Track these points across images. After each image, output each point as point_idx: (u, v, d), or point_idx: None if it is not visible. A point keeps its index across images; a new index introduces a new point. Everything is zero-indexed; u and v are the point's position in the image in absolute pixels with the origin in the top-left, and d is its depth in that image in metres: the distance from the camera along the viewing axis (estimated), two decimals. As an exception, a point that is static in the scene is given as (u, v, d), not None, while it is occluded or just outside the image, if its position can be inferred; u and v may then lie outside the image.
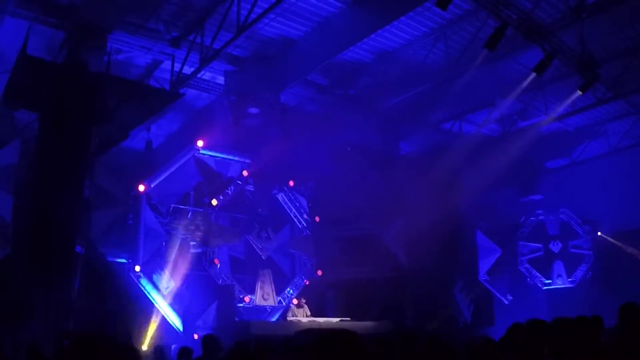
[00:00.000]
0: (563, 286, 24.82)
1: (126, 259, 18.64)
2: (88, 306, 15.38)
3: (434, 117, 20.96)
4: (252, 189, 22.04)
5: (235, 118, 19.09)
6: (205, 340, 9.22)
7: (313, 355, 2.96)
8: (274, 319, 21.23)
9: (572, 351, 3.89)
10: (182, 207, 20.61)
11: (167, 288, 18.84)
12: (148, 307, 18.27)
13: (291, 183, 22.67)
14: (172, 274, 19.21)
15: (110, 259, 17.90)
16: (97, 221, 17.09)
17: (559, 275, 25.06)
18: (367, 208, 21.42)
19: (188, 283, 19.99)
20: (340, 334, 3.03)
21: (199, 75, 17.85)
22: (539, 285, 25.29)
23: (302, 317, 18.71)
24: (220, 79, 19.00)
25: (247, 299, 20.59)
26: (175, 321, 18.57)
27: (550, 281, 25.26)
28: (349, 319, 18.56)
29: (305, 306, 19.42)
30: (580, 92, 17.31)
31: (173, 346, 16.40)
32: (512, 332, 4.89)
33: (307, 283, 22.40)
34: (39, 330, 13.43)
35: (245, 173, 21.46)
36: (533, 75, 16.53)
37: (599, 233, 24.46)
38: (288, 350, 2.89)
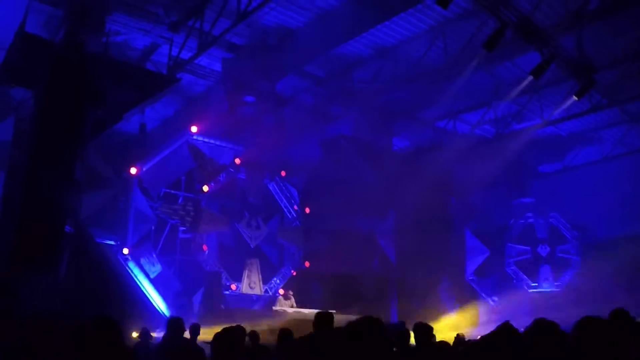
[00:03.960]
0: (549, 290, 24.89)
1: (115, 242, 18.61)
2: (75, 287, 15.38)
3: (429, 114, 20.96)
4: (244, 177, 22.04)
5: (230, 105, 19.08)
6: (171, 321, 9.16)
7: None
8: (259, 307, 21.26)
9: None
10: (173, 192, 20.64)
11: (154, 272, 18.85)
12: (135, 291, 18.27)
13: (283, 173, 22.69)
14: (160, 258, 19.23)
15: (99, 240, 17.87)
16: (87, 202, 17.04)
17: (546, 279, 25.12)
18: (358, 202, 21.45)
19: (175, 268, 20.03)
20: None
21: (196, 61, 17.82)
22: (525, 287, 25.35)
23: (288, 308, 18.75)
24: (218, 66, 18.97)
25: (233, 286, 20.61)
26: (161, 305, 18.57)
27: (536, 284, 25.33)
28: (334, 311, 18.55)
29: (292, 298, 19.48)
30: (576, 98, 17.35)
31: (157, 330, 16.42)
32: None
33: (294, 274, 22.43)
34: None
35: (237, 161, 21.44)
36: (530, 78, 16.57)
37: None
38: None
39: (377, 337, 3.14)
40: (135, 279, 18.45)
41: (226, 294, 20.28)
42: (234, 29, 16.10)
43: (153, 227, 19.66)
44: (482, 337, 4.65)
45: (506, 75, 18.89)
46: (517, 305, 23.33)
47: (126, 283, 18.10)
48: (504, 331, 5.02)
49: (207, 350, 7.00)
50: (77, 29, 14.98)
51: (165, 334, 9.09)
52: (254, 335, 10.80)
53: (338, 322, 8.88)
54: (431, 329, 8.57)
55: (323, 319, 7.75)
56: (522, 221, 26.10)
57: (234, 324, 8.08)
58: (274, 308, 19.15)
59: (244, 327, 9.17)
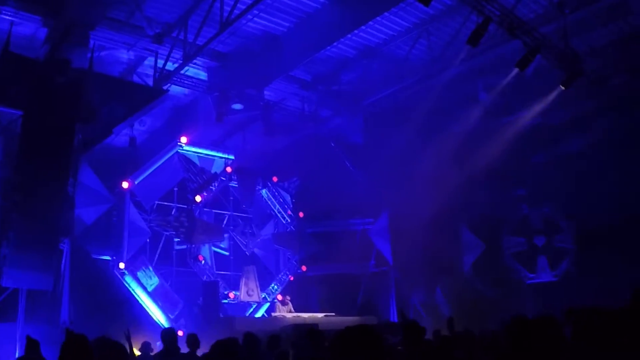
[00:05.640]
0: (547, 280, 24.89)
1: (110, 256, 18.59)
2: (74, 303, 15.34)
3: (417, 112, 20.93)
4: (236, 185, 22.05)
5: (218, 114, 19.05)
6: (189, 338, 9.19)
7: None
8: (258, 314, 21.25)
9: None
10: (166, 203, 20.61)
11: (151, 285, 18.82)
12: (132, 304, 18.24)
13: (275, 179, 22.71)
14: (156, 271, 19.20)
15: (94, 256, 17.84)
16: (81, 218, 17.03)
17: (543, 270, 25.12)
18: (351, 203, 21.45)
19: (173, 280, 20.00)
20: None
21: (182, 72, 17.83)
22: (523, 279, 25.35)
23: (286, 313, 18.74)
24: (204, 75, 18.98)
25: (231, 295, 20.59)
26: (160, 318, 18.54)
27: (534, 275, 25.34)
28: (333, 314, 18.60)
29: (290, 303, 19.48)
30: (563, 87, 17.37)
31: (158, 343, 16.38)
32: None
33: (292, 279, 22.44)
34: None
35: (229, 169, 21.46)
36: (516, 70, 16.58)
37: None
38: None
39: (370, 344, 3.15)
40: (133, 293, 18.43)
41: (225, 302, 20.26)
42: (218, 38, 16.10)
43: (148, 240, 19.64)
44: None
45: (493, 67, 18.88)
46: (517, 298, 23.35)
47: (124, 297, 18.09)
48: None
49: None
50: (62, 46, 14.98)
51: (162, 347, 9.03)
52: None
53: (337, 325, 8.90)
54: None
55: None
56: (517, 213, 26.10)
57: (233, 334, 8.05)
58: (272, 314, 19.16)
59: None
